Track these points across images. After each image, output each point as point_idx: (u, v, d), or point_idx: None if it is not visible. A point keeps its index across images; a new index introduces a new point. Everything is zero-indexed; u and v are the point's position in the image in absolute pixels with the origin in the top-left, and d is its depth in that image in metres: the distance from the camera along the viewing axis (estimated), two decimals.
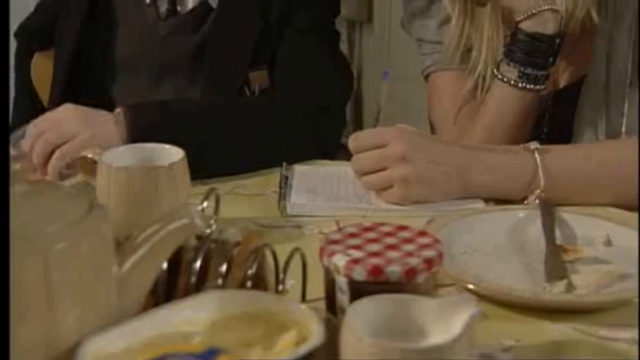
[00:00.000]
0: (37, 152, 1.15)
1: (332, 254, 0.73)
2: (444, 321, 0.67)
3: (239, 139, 1.25)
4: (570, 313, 0.87)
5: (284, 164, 1.25)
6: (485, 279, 0.92)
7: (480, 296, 0.91)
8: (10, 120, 1.50)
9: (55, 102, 1.37)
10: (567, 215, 1.06)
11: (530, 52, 1.27)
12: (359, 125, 2.15)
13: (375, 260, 0.72)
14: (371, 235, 0.77)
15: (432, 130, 1.47)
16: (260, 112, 1.31)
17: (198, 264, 0.75)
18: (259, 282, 0.78)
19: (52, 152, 1.15)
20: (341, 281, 0.73)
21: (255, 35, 1.41)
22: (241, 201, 1.17)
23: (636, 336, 0.83)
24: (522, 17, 1.27)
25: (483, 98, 1.34)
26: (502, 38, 1.33)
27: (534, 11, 1.26)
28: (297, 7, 1.43)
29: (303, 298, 0.81)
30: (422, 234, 0.77)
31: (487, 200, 1.15)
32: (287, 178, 1.22)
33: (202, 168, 1.11)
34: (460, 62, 1.38)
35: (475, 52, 1.36)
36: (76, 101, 1.25)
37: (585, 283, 0.92)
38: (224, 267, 0.77)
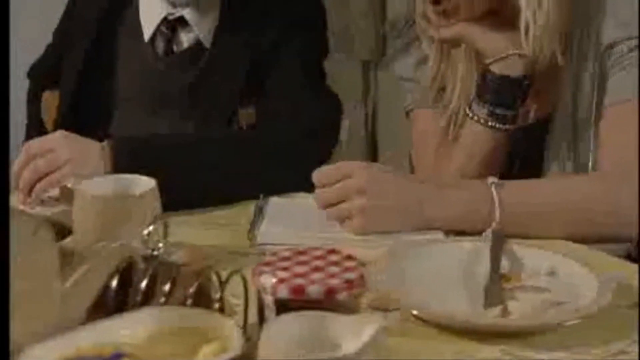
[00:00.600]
0: (24, 178, 1.22)
1: (260, 274, 0.79)
2: (356, 336, 0.72)
3: (218, 172, 1.31)
4: (501, 337, 0.92)
5: (261, 195, 1.31)
6: (429, 305, 0.97)
7: (424, 321, 0.95)
8: None
9: None
10: (517, 246, 1.11)
11: (499, 92, 1.33)
12: None
13: (298, 281, 0.77)
14: (302, 258, 0.82)
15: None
16: (242, 144, 1.38)
17: (144, 283, 0.81)
18: (201, 301, 0.83)
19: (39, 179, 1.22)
20: (268, 299, 0.78)
21: (243, 75, 1.48)
22: (215, 230, 1.23)
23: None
24: (491, 60, 1.32)
25: (455, 135, 1.39)
26: (475, 78, 1.38)
27: (502, 55, 1.31)
28: (285, 49, 1.49)
29: (245, 317, 0.87)
30: (349, 257, 0.82)
31: (447, 232, 1.20)
32: (261, 208, 1.27)
33: (181, 199, 1.18)
34: (435, 100, 1.43)
35: (449, 91, 1.41)
36: (79, 134, 1.32)
37: (520, 309, 0.96)
38: (167, 287, 0.82)
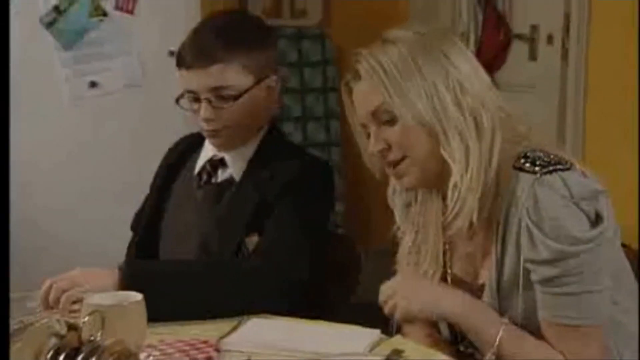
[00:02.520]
0: (52, 297, 1.61)
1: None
2: None
3: (203, 296, 1.64)
4: None
5: (245, 316, 1.62)
6: None
7: None
8: None
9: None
10: None
11: None
12: None
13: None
14: (179, 345, 1.13)
15: None
16: (226, 272, 1.71)
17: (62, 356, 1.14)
18: None
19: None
20: None
21: (253, 210, 1.83)
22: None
23: None
24: None
25: None
26: (442, 244, 1.66)
27: None
28: (286, 200, 1.81)
29: None
30: (207, 344, 1.12)
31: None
32: (239, 324, 1.58)
33: (168, 314, 1.51)
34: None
35: (423, 253, 1.68)
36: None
37: None
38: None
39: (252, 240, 1.83)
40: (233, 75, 1.85)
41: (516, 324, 1.56)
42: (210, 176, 1.93)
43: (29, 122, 2.96)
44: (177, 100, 1.89)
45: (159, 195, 2.00)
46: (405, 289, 1.61)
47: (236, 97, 1.85)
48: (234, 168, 1.90)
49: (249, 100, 1.86)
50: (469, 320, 1.56)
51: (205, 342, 1.14)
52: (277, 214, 1.82)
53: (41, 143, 2.98)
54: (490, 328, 1.54)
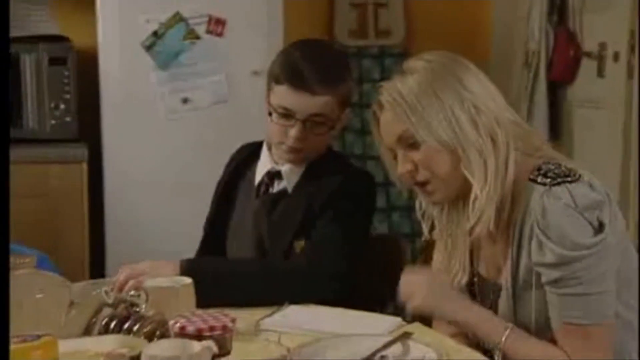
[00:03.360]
0: (120, 279, 1.84)
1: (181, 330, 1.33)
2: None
3: (247, 289, 1.87)
4: None
5: (286, 302, 1.83)
6: None
7: None
8: None
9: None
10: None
11: None
12: None
13: (185, 324, 1.31)
14: (204, 315, 1.35)
15: None
16: (269, 271, 1.92)
17: (113, 323, 1.38)
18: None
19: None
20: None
21: (301, 216, 2.03)
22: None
23: None
24: None
25: None
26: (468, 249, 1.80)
27: None
28: (330, 210, 2.01)
29: None
30: (227, 315, 1.34)
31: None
32: (278, 309, 1.79)
33: (215, 301, 1.71)
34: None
35: (453, 261, 1.82)
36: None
37: None
38: (137, 326, 1.39)
39: (300, 244, 2.03)
40: (331, 106, 2.02)
41: (530, 322, 1.68)
42: (267, 187, 2.12)
43: (131, 132, 3.30)
44: (269, 113, 2.05)
45: (221, 201, 2.21)
46: (424, 289, 1.72)
47: (331, 127, 2.04)
48: (289, 181, 2.09)
49: (331, 130, 2.06)
50: (478, 327, 1.69)
51: (226, 314, 1.36)
52: (321, 221, 2.01)
53: (141, 150, 3.30)
54: (496, 332, 1.67)
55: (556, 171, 1.65)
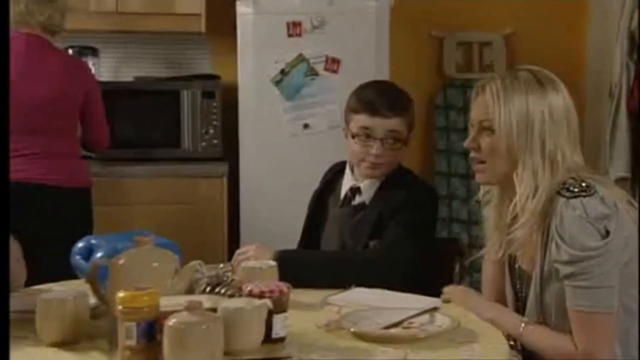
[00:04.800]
0: (237, 259, 2.24)
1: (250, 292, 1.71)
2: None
3: (328, 275, 2.19)
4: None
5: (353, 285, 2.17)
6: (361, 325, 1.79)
7: (358, 334, 1.76)
8: None
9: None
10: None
11: None
12: None
13: (252, 288, 1.69)
14: (270, 284, 1.72)
15: None
16: (345, 261, 2.27)
17: (209, 288, 1.78)
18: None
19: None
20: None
21: (374, 221, 2.36)
22: (306, 294, 2.06)
23: None
24: None
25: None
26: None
27: None
28: (398, 216, 2.33)
29: None
30: (285, 285, 1.71)
31: None
32: (344, 288, 2.14)
33: (302, 283, 2.05)
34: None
35: (493, 240, 2.07)
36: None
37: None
38: (223, 290, 1.79)
39: (373, 243, 2.36)
40: (401, 127, 2.38)
41: (551, 309, 1.89)
42: (350, 200, 2.48)
43: (262, 152, 3.70)
44: (353, 136, 2.41)
45: (315, 208, 2.58)
46: (460, 295, 2.08)
47: (403, 143, 2.39)
48: (366, 195, 2.44)
49: (404, 147, 2.41)
50: (501, 322, 1.93)
51: (286, 284, 1.72)
52: (390, 226, 2.33)
53: (270, 167, 3.68)
54: (514, 326, 1.92)
55: (576, 188, 1.85)
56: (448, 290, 2.10)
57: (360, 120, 2.39)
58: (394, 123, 2.37)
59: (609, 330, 1.85)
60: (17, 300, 1.82)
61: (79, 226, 2.88)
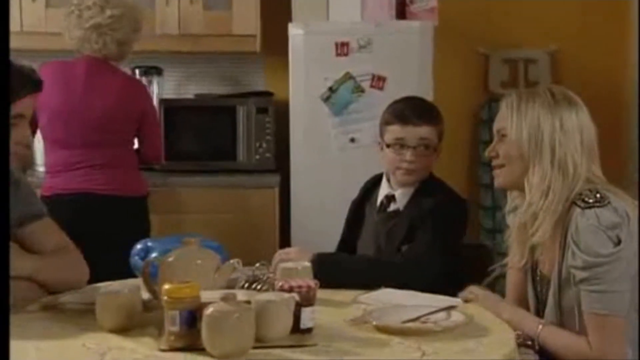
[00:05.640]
0: (276, 258, 2.43)
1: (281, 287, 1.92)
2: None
3: (361, 278, 2.38)
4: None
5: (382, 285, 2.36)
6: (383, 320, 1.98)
7: (380, 328, 1.96)
8: None
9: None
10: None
11: None
12: None
13: (283, 284, 1.90)
14: (299, 281, 1.94)
15: None
16: (379, 265, 2.45)
17: (247, 284, 2.00)
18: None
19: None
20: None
21: (406, 228, 2.56)
22: (338, 293, 2.27)
23: None
24: None
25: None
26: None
27: None
28: (425, 224, 2.52)
29: None
30: (315, 282, 1.92)
31: None
32: (374, 289, 2.33)
33: (337, 284, 2.29)
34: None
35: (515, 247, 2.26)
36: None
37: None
38: (258, 286, 2.01)
39: (405, 248, 2.56)
40: (433, 134, 2.61)
41: (571, 312, 2.01)
42: (385, 207, 2.68)
43: (312, 165, 3.89)
44: (387, 145, 2.61)
45: (354, 216, 2.79)
46: (481, 295, 2.20)
47: (434, 150, 2.59)
48: (400, 203, 2.64)
49: (434, 154, 2.62)
50: (519, 323, 2.07)
51: (315, 282, 1.93)
52: (419, 232, 2.53)
53: (319, 179, 3.87)
54: (531, 327, 2.07)
55: (590, 199, 1.99)
56: (470, 289, 2.26)
57: (394, 131, 2.61)
58: (425, 131, 2.58)
59: (620, 332, 1.98)
60: (82, 295, 2.10)
61: (137, 231, 3.11)
